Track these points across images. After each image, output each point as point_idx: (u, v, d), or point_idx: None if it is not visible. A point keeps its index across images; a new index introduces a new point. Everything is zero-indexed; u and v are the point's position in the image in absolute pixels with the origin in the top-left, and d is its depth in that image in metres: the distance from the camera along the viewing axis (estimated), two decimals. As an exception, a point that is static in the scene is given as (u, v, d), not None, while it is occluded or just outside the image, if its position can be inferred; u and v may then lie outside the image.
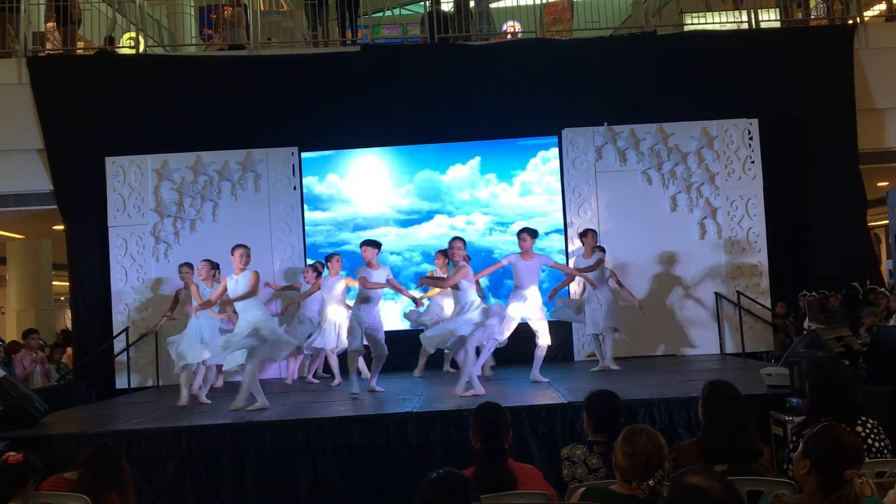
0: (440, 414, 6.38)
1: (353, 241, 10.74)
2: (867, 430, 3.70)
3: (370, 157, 11.11)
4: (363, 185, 11.01)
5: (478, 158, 10.98)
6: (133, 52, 12.08)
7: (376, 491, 6.08)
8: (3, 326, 16.21)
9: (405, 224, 10.93)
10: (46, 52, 11.38)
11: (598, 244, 9.27)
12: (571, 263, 9.39)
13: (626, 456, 2.92)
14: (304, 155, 10.92)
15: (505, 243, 10.70)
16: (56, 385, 10.00)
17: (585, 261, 8.97)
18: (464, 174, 10.99)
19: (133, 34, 12.71)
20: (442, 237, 10.71)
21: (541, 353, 8.09)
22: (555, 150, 10.90)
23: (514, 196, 10.92)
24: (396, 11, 17.31)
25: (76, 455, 4.42)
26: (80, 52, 11.95)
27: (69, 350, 11.50)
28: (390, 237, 10.78)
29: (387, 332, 8.03)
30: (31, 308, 15.19)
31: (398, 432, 6.27)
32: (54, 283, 16.51)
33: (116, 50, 12.29)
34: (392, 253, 10.72)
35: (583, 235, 9.22)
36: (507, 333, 7.99)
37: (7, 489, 3.75)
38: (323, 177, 11.01)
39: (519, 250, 8.16)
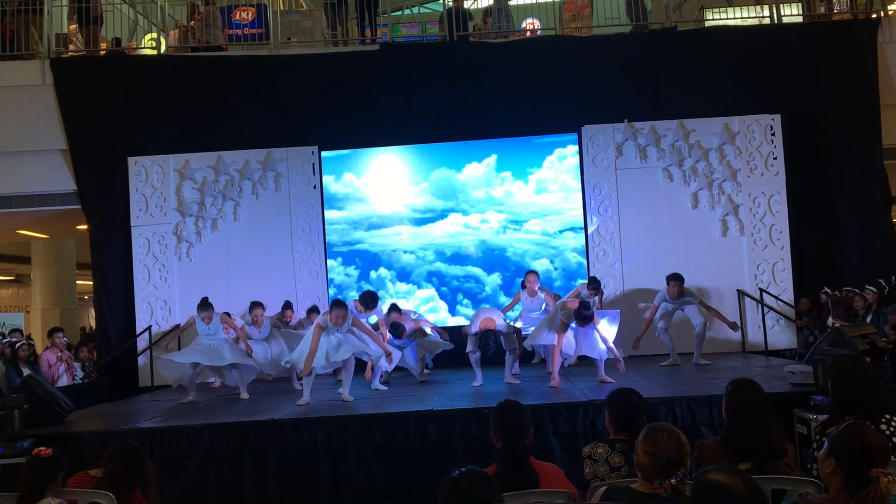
0: (460, 412, 6.37)
1: (367, 239, 10.80)
2: (891, 429, 3.65)
3: (387, 156, 11.12)
4: (379, 184, 11.02)
5: (494, 156, 10.97)
6: (154, 52, 12.17)
7: (397, 489, 6.09)
8: (27, 325, 16.40)
9: (419, 223, 10.93)
10: (69, 53, 11.50)
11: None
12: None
13: (648, 454, 2.90)
14: (323, 154, 10.95)
15: (518, 241, 10.70)
16: (80, 383, 10.11)
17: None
18: (479, 172, 10.97)
19: (154, 35, 12.81)
20: (456, 235, 10.75)
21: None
22: (571, 148, 10.86)
23: (530, 194, 10.90)
24: (416, 10, 17.31)
25: (101, 452, 4.48)
26: (102, 53, 12.05)
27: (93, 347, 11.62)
28: (404, 236, 10.80)
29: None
30: (55, 307, 15.37)
31: (419, 430, 6.27)
32: (78, 282, 16.71)
33: (126, 50, 12.36)
34: (405, 252, 10.75)
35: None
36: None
37: (39, 482, 3.82)
38: (339, 176, 11.04)
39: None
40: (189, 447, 6.29)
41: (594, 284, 9.08)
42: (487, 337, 7.68)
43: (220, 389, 9.21)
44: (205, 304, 8.37)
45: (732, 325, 9.03)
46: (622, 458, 3.69)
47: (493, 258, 10.63)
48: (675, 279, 8.94)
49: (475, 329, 7.82)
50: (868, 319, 8.81)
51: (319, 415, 6.62)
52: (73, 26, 11.81)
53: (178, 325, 10.41)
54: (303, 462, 6.26)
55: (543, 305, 8.87)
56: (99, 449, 5.64)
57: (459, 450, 6.18)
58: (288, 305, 9.83)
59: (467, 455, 5.90)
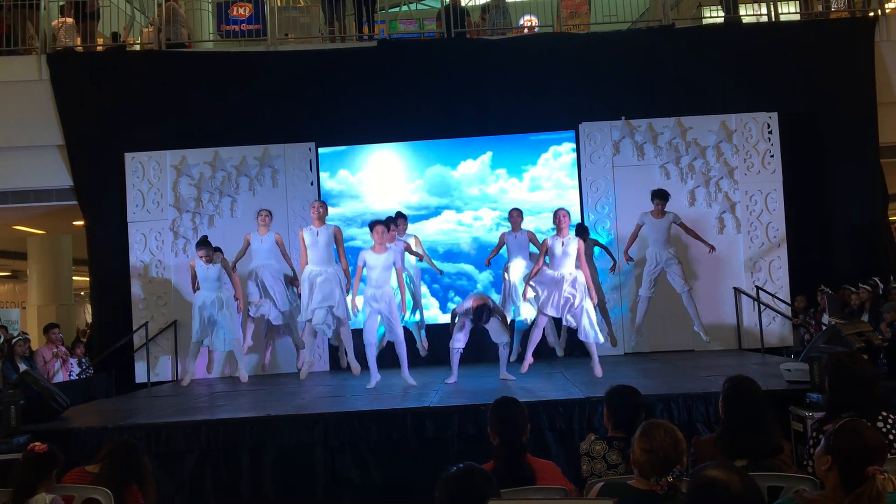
0: (457, 409, 6.37)
1: (361, 236, 10.75)
2: (888, 426, 3.67)
3: (382, 153, 11.08)
4: (374, 181, 10.99)
5: (489, 154, 10.94)
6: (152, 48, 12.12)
7: (394, 485, 6.09)
8: (23, 321, 16.39)
9: (413, 220, 10.83)
10: (63, 46, 11.43)
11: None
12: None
13: (644, 451, 2.90)
14: (319, 150, 10.93)
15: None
16: (77, 379, 10.10)
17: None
18: (474, 169, 10.95)
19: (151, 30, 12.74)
20: (449, 233, 10.76)
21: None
22: (567, 145, 10.85)
23: (524, 191, 10.87)
24: (413, 6, 17.28)
25: (97, 448, 4.47)
26: (99, 48, 12.02)
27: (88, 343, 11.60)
28: None
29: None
30: (51, 303, 15.37)
31: (415, 427, 6.28)
32: (74, 278, 16.70)
33: (126, 44, 12.32)
34: (397, 248, 10.75)
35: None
36: None
37: (32, 478, 3.82)
38: (334, 172, 11.01)
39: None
40: (186, 443, 6.28)
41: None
42: (481, 311, 7.72)
43: (218, 384, 9.23)
44: (203, 242, 8.43)
45: (711, 248, 9.39)
46: (619, 456, 3.70)
47: (485, 255, 10.59)
48: (660, 197, 9.21)
49: (469, 305, 7.84)
50: (864, 317, 8.84)
51: (316, 411, 6.63)
52: (69, 20, 11.71)
53: (175, 322, 10.40)
54: (300, 458, 6.26)
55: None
56: (95, 445, 5.63)
57: (456, 446, 6.18)
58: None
59: (464, 452, 5.89)
